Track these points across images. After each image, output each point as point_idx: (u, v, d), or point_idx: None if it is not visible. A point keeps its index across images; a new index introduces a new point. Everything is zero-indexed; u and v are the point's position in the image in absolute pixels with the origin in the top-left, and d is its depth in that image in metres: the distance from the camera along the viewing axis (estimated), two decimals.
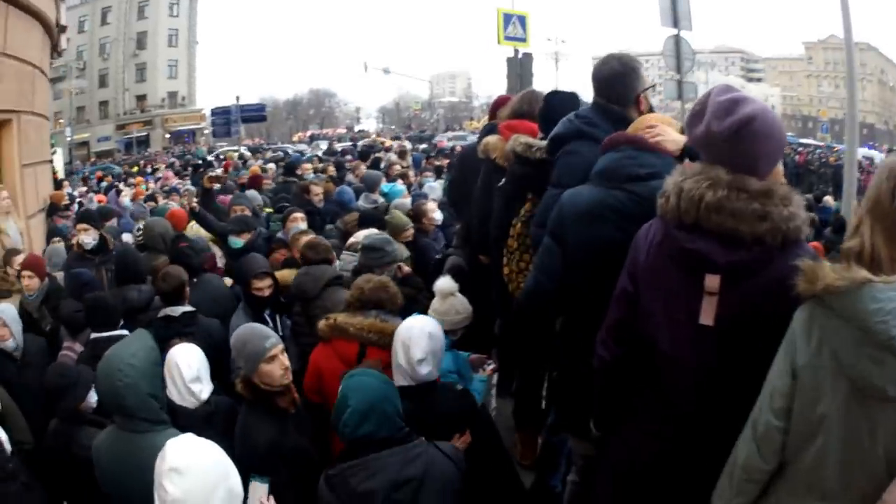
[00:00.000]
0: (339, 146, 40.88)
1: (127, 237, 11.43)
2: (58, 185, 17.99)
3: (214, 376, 5.19)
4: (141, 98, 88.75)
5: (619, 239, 3.69)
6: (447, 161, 19.16)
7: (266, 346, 4.77)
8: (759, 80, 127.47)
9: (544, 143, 5.25)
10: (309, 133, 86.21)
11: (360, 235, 7.94)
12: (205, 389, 5.00)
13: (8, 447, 4.76)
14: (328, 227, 9.94)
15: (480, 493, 4.49)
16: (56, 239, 11.40)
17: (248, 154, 35.94)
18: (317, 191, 11.46)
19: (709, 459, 3.11)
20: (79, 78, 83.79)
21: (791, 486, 2.80)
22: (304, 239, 7.43)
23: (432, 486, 3.96)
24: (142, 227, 10.14)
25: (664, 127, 4.15)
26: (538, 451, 6.48)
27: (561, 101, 5.56)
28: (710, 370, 3.16)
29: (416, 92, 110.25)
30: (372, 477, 3.89)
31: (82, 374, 5.33)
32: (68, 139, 70.82)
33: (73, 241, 9.25)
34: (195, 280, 7.61)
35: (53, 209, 14.33)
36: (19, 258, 8.69)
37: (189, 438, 3.47)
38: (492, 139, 6.51)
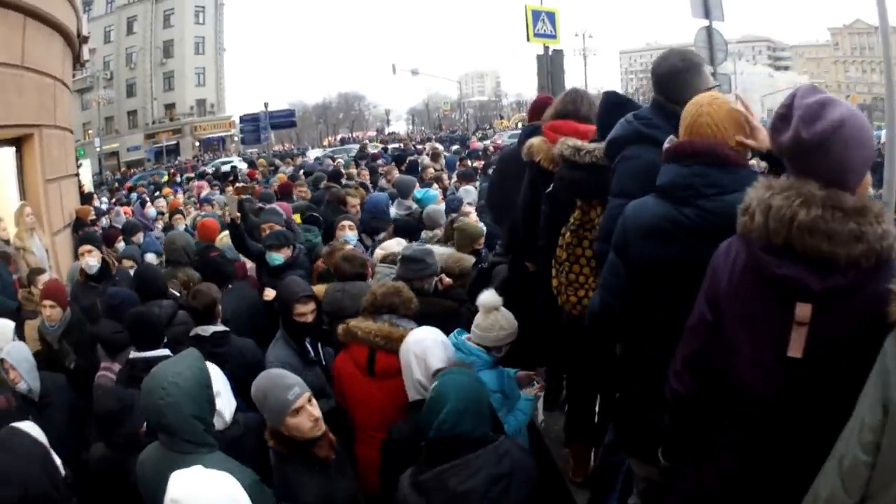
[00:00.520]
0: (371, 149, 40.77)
1: (150, 257, 10.93)
2: (85, 198, 17.67)
3: (249, 398, 4.88)
4: (169, 107, 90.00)
5: (686, 257, 3.48)
6: (482, 163, 18.77)
7: (289, 397, 4.26)
8: (786, 68, 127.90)
9: (594, 145, 5.04)
10: (339, 137, 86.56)
11: (392, 246, 7.86)
12: (227, 407, 4.86)
13: (63, 471, 4.50)
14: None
15: None
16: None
17: (278, 161, 35.76)
18: (353, 202, 10.99)
19: (789, 493, 2.88)
20: (106, 88, 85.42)
21: None
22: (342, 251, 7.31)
23: (519, 480, 3.92)
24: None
25: (755, 122, 3.64)
26: (593, 468, 6.16)
27: (618, 102, 5.20)
28: (795, 403, 2.91)
29: (446, 92, 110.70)
30: (472, 476, 3.83)
31: (136, 398, 4.85)
32: (97, 150, 71.28)
33: (80, 262, 8.85)
34: (229, 286, 7.83)
35: (80, 224, 13.91)
36: (44, 277, 8.55)
37: (196, 470, 3.42)
38: (535, 141, 6.11)
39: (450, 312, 6.27)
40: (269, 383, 4.39)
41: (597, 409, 6.20)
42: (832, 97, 2.81)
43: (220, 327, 6.43)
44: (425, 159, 19.22)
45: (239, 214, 8.85)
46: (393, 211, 11.20)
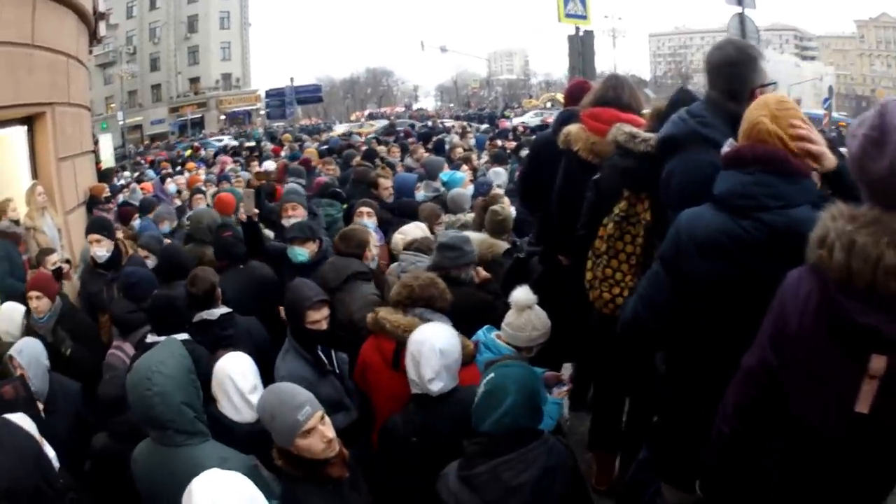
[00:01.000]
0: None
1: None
2: (101, 175, 17.41)
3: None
4: (194, 80, 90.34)
5: (742, 276, 3.27)
6: (513, 144, 18.41)
7: (299, 418, 3.94)
8: (812, 58, 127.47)
9: (650, 134, 4.74)
10: (367, 112, 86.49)
11: (412, 231, 7.57)
12: None
13: (57, 464, 4.39)
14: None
15: None
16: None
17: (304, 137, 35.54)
18: (386, 184, 10.42)
19: None
20: (129, 62, 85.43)
21: None
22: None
23: (563, 473, 3.90)
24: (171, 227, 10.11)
25: (813, 131, 3.39)
26: (618, 479, 5.88)
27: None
28: (859, 454, 2.71)
29: (474, 70, 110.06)
30: (526, 470, 3.79)
31: None
32: (120, 123, 71.40)
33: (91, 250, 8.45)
34: (241, 267, 7.59)
35: (94, 202, 13.78)
36: (53, 257, 8.37)
37: (215, 475, 3.31)
38: (573, 129, 5.80)
39: (485, 305, 5.99)
40: (276, 401, 4.06)
41: (624, 415, 5.95)
42: None
43: (226, 309, 6.34)
44: (454, 138, 19.03)
45: (256, 211, 8.28)
46: (419, 193, 10.83)
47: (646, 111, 5.65)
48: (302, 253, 7.19)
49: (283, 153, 23.61)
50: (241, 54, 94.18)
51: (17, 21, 10.34)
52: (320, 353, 5.63)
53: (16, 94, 10.22)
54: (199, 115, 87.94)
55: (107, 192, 14.77)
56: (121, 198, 16.15)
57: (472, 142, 20.04)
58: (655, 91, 71.77)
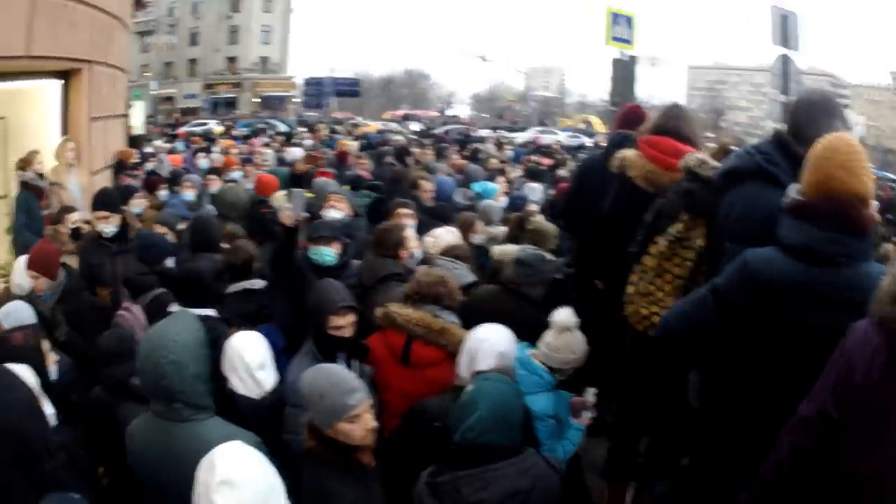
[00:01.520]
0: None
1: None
2: (132, 141, 17.31)
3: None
4: (231, 60, 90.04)
5: (806, 324, 3.25)
6: (551, 161, 18.32)
7: (350, 403, 3.86)
8: (845, 106, 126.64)
9: (719, 163, 4.75)
10: (402, 112, 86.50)
11: (446, 236, 7.37)
12: (269, 378, 4.80)
13: (53, 421, 4.25)
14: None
15: None
16: (140, 196, 10.77)
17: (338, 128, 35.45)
18: (427, 187, 10.03)
19: None
20: (168, 34, 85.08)
21: None
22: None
23: (539, 497, 3.86)
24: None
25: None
26: None
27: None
28: None
29: (510, 82, 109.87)
30: (486, 488, 3.79)
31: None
32: (153, 93, 71.42)
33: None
34: (268, 245, 7.40)
35: (121, 167, 13.65)
36: (73, 216, 8.23)
37: (237, 448, 3.28)
38: (630, 155, 5.76)
39: (539, 326, 5.62)
40: (327, 383, 3.95)
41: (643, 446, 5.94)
42: None
43: (264, 282, 6.48)
44: (490, 148, 18.91)
45: (307, 215, 7.25)
46: (456, 200, 10.57)
47: (711, 145, 5.62)
48: (329, 253, 6.58)
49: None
50: (281, 39, 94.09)
51: None
52: (340, 362, 5.15)
53: (54, 47, 10.11)
54: (233, 95, 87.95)
55: (135, 158, 14.79)
56: (148, 166, 15.97)
57: (509, 154, 19.96)
58: None
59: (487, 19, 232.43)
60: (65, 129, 11.61)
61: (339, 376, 4.03)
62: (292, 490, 3.48)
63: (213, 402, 4.15)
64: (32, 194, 9.34)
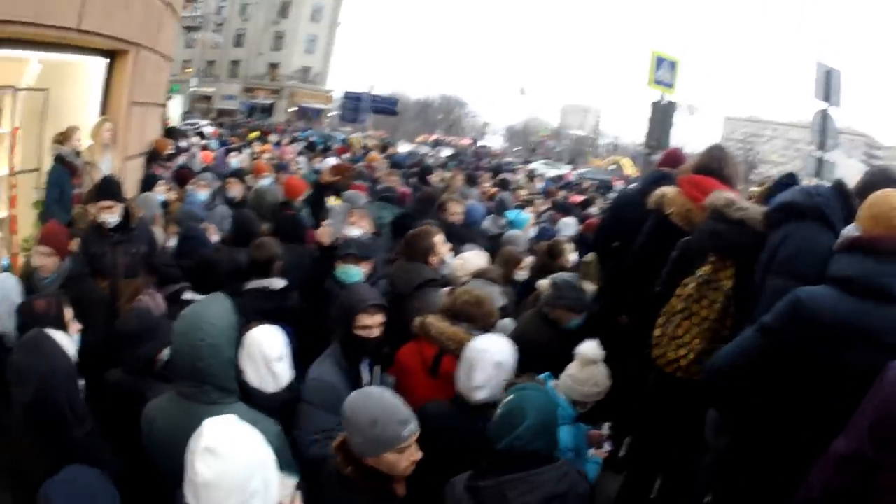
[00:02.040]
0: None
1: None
2: (168, 132, 17.31)
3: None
4: (274, 66, 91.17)
5: (862, 365, 3.14)
6: (581, 198, 18.30)
7: (404, 434, 3.78)
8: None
9: (748, 204, 4.82)
10: (434, 137, 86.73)
11: (473, 259, 7.26)
12: (286, 373, 4.81)
13: (83, 393, 4.36)
14: None
15: None
16: (163, 184, 10.92)
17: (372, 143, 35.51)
18: (456, 209, 9.68)
19: None
20: (215, 32, 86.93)
21: None
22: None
23: (573, 501, 3.91)
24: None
25: None
26: None
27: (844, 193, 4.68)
28: None
29: (545, 118, 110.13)
30: (530, 492, 3.82)
31: (163, 323, 4.94)
32: (191, 89, 71.88)
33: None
34: (295, 246, 7.52)
35: (154, 156, 13.53)
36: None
37: (230, 419, 3.21)
38: (671, 192, 5.75)
39: (552, 354, 5.69)
40: (380, 410, 3.83)
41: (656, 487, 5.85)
42: None
43: (284, 282, 6.56)
44: (521, 179, 18.90)
45: (344, 235, 7.08)
46: (486, 225, 10.77)
47: (755, 189, 5.60)
48: (357, 273, 6.37)
49: (348, 154, 23.54)
50: (324, 51, 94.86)
51: None
52: (363, 370, 5.20)
53: (105, 24, 10.01)
54: (271, 102, 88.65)
55: (171, 149, 14.62)
56: (181, 159, 16.02)
57: (540, 186, 19.95)
58: None
59: (528, 53, 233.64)
60: (104, 110, 11.54)
61: (392, 404, 3.92)
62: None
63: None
64: (66, 170, 9.31)
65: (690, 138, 71.43)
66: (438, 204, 9.86)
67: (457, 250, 7.80)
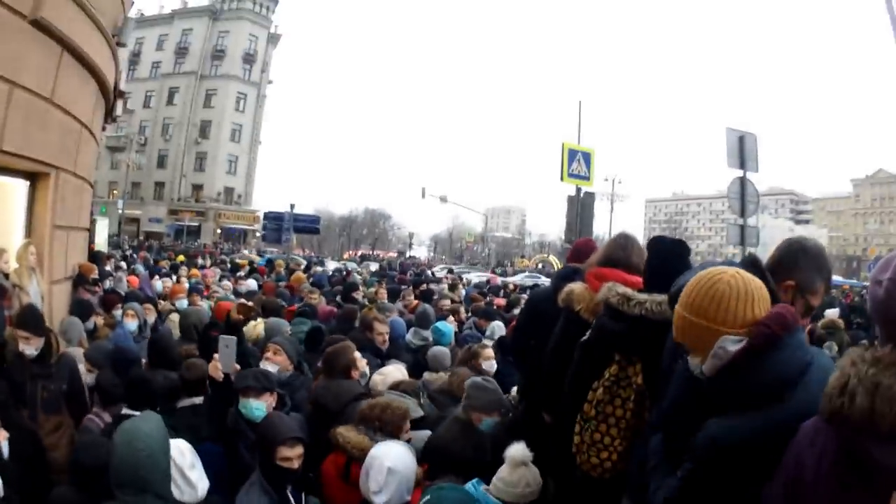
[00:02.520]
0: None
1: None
2: (93, 257, 17.20)
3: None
4: (197, 187, 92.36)
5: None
6: (503, 301, 18.29)
7: None
8: (807, 221, 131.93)
9: (645, 296, 4.66)
10: (360, 252, 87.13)
11: (392, 373, 7.53)
12: (201, 482, 4.80)
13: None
14: None
15: None
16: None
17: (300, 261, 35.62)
18: (382, 329, 9.60)
19: None
20: (139, 153, 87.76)
21: None
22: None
23: None
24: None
25: None
26: None
27: (671, 248, 4.85)
28: None
29: (471, 223, 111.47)
30: None
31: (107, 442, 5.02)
32: (119, 212, 72.57)
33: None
34: None
35: (81, 280, 13.40)
36: None
37: None
38: (577, 288, 5.62)
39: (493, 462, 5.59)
40: None
41: None
42: None
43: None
44: (444, 289, 18.85)
45: (237, 368, 6.16)
46: (408, 339, 10.72)
47: None
48: (259, 407, 5.97)
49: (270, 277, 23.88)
50: (246, 171, 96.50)
51: (40, 70, 10.14)
52: (289, 495, 5.22)
53: (25, 146, 9.93)
54: (197, 224, 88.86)
55: (95, 274, 14.39)
56: (108, 284, 15.84)
57: (462, 293, 19.92)
58: None
59: (449, 161, 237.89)
60: (28, 233, 11.39)
61: None
62: None
63: None
64: None
65: (613, 226, 72.72)
66: (364, 324, 9.84)
67: (380, 365, 7.97)
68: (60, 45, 10.53)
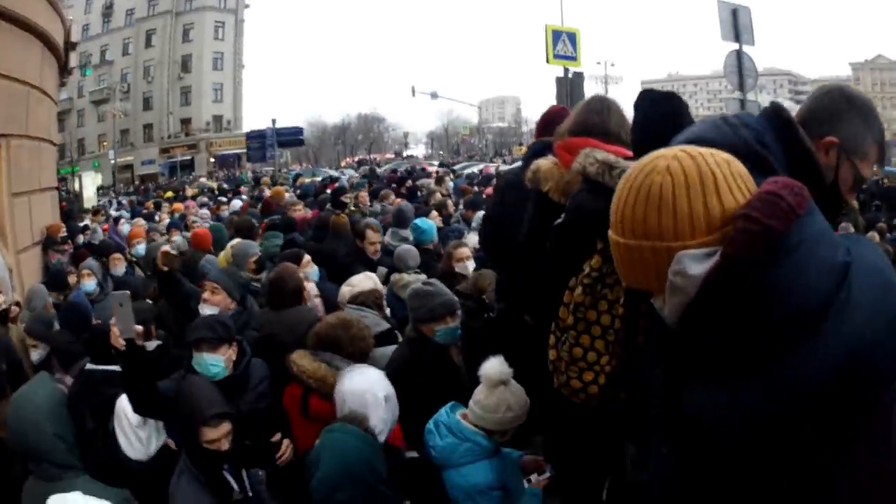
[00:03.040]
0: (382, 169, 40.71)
1: None
2: (65, 214, 16.65)
3: None
4: (185, 122, 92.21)
5: None
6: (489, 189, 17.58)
7: None
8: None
9: (632, 163, 3.40)
10: (357, 158, 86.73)
11: (361, 282, 6.67)
12: (155, 438, 4.68)
13: None
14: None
15: None
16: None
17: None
18: (374, 238, 9.18)
19: None
20: (123, 101, 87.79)
21: None
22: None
23: None
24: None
25: None
26: None
27: (662, 102, 3.76)
28: None
29: (466, 116, 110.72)
30: None
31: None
32: (112, 162, 73.51)
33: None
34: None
35: (50, 242, 13.14)
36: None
37: (75, 497, 3.55)
38: (544, 164, 4.50)
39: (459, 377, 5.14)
40: None
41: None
42: None
43: (157, 342, 6.15)
44: (430, 183, 18.06)
45: (139, 328, 4.71)
46: (386, 240, 9.87)
47: None
48: (215, 362, 4.89)
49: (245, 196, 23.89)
50: (232, 96, 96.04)
51: None
52: (227, 475, 4.42)
53: None
54: (190, 157, 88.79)
55: (63, 232, 14.08)
56: (81, 239, 15.41)
57: (451, 186, 19.16)
58: None
59: (438, 56, 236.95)
60: None
61: None
62: None
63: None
64: None
65: None
66: (357, 232, 9.28)
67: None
68: None
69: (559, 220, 4.10)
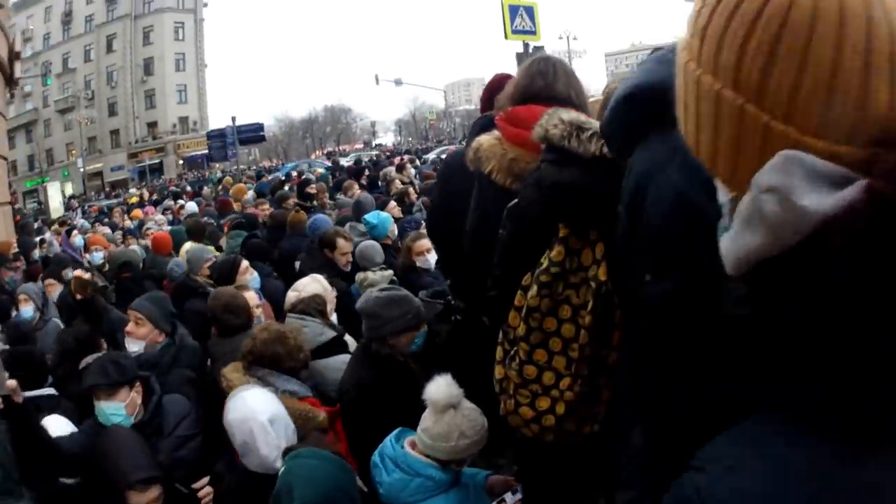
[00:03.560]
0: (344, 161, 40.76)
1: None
2: (21, 228, 16.22)
3: None
4: (152, 125, 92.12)
5: None
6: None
7: None
8: None
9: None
10: (326, 150, 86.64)
11: (308, 286, 6.06)
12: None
13: None
14: None
15: None
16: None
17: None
18: (345, 248, 7.93)
19: None
20: (88, 108, 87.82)
21: None
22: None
23: None
24: None
25: None
26: None
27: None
28: None
29: (432, 101, 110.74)
30: None
31: None
32: (81, 170, 75.94)
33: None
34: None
35: (1, 260, 12.39)
36: None
37: None
38: (486, 141, 3.74)
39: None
40: None
41: None
42: None
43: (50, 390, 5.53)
44: (391, 171, 17.47)
45: (11, 385, 4.02)
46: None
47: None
48: (115, 411, 4.38)
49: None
50: (197, 97, 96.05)
51: None
52: None
53: None
54: (158, 161, 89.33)
55: (14, 249, 13.48)
56: (37, 253, 15.13)
57: (413, 173, 18.65)
58: None
59: (400, 43, 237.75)
60: None
61: None
62: None
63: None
64: None
65: None
66: (325, 241, 8.10)
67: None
68: None
69: (514, 203, 3.30)
